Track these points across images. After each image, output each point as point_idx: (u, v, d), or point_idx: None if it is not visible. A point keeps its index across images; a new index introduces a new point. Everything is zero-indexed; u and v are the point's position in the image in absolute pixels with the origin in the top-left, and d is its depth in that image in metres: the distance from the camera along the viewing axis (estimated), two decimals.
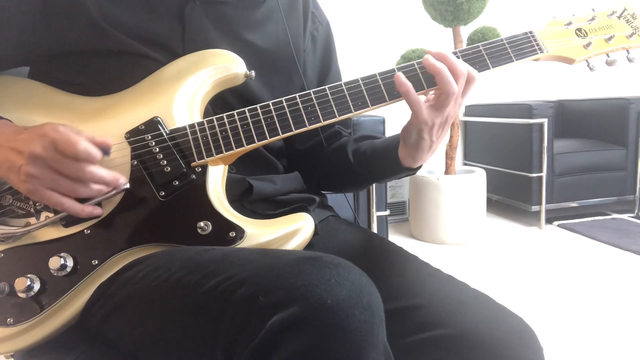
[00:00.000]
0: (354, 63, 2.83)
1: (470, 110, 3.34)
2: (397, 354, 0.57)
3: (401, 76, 0.67)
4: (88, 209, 0.62)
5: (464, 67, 0.67)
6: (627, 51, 0.76)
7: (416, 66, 0.70)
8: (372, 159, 0.81)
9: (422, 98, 0.69)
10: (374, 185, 1.75)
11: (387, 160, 0.78)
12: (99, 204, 0.63)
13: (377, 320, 0.47)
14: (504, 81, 3.35)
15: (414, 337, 0.60)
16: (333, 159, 0.86)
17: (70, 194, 0.60)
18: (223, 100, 0.74)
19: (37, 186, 0.59)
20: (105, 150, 0.62)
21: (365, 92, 0.69)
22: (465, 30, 2.54)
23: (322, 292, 0.45)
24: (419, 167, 0.77)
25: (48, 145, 0.58)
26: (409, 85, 0.67)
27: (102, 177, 0.61)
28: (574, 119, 3.31)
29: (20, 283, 0.60)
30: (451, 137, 2.65)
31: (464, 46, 2.55)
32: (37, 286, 0.61)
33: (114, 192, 0.63)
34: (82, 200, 0.62)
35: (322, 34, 0.90)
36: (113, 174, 0.62)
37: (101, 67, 0.70)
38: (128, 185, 0.64)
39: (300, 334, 0.44)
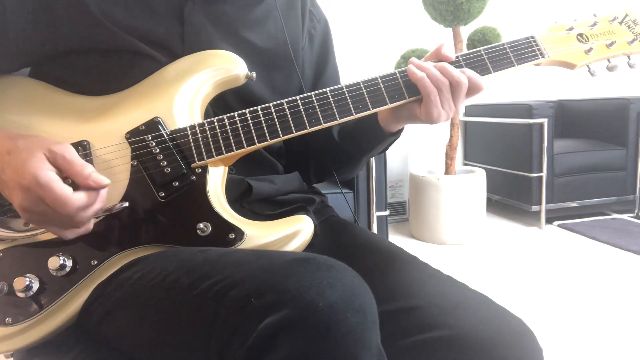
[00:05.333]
0: (354, 63, 2.83)
1: (470, 110, 3.34)
2: (396, 355, 0.57)
3: (414, 61, 0.69)
4: (83, 230, 0.60)
5: (443, 77, 0.68)
6: (628, 57, 0.76)
7: (398, 75, 0.70)
8: (355, 133, 0.81)
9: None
10: (374, 185, 1.75)
11: (369, 130, 0.79)
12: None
13: (369, 323, 0.47)
14: (504, 81, 3.35)
15: (413, 338, 0.59)
16: (322, 144, 0.86)
17: (68, 227, 0.59)
18: (223, 101, 0.74)
19: (34, 220, 0.58)
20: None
21: (366, 95, 0.69)
22: (465, 30, 2.54)
23: (314, 294, 0.45)
24: (402, 130, 0.79)
25: (36, 201, 0.55)
26: (423, 74, 0.68)
27: (97, 212, 0.59)
28: (574, 119, 3.31)
29: (19, 283, 0.60)
30: (451, 137, 2.65)
31: (464, 46, 2.56)
32: (36, 286, 0.61)
33: (109, 212, 0.62)
34: None
35: (319, 32, 0.90)
36: (106, 205, 0.60)
37: (101, 66, 0.70)
38: (127, 204, 0.63)
39: (291, 337, 0.44)
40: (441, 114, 0.69)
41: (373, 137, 0.79)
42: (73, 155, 0.57)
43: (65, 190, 0.55)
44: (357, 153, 0.85)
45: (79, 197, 0.56)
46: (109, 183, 0.58)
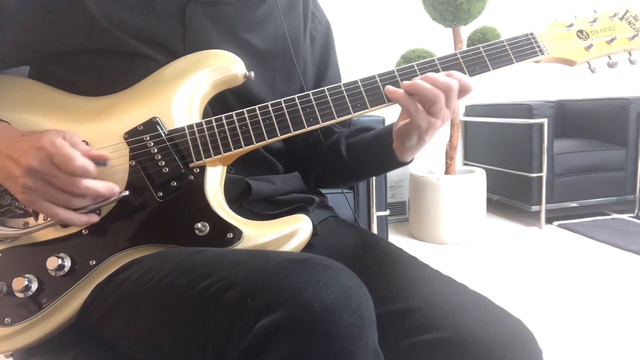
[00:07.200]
0: (354, 63, 2.83)
1: (470, 110, 3.33)
2: (396, 356, 0.57)
3: (390, 87, 0.69)
4: (84, 219, 0.62)
5: (434, 87, 0.67)
6: (629, 53, 0.75)
7: (396, 73, 0.70)
8: (366, 156, 0.82)
9: None
10: (373, 185, 1.75)
11: (381, 156, 0.79)
12: (96, 211, 0.63)
13: (366, 323, 0.46)
14: (504, 81, 3.35)
15: (412, 340, 0.59)
16: (328, 156, 0.86)
17: (65, 205, 0.61)
18: (223, 101, 0.74)
19: (34, 197, 0.59)
20: (102, 162, 0.63)
21: (364, 94, 0.69)
22: (465, 30, 2.54)
23: (310, 295, 0.45)
24: (413, 159, 0.79)
25: (44, 159, 0.58)
26: (400, 92, 0.68)
27: (96, 190, 0.61)
28: (574, 119, 3.31)
29: (18, 283, 0.60)
30: (451, 137, 2.65)
31: (464, 46, 2.56)
32: (34, 286, 0.61)
33: (109, 201, 0.63)
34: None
35: (321, 34, 0.90)
36: (106, 185, 0.62)
37: (101, 66, 0.70)
38: (127, 193, 0.64)
39: (287, 338, 0.43)
40: (446, 117, 0.69)
41: (386, 165, 0.81)
42: (74, 140, 0.62)
43: (75, 151, 0.60)
44: (365, 174, 0.87)
45: (85, 161, 0.60)
46: (109, 157, 0.64)
